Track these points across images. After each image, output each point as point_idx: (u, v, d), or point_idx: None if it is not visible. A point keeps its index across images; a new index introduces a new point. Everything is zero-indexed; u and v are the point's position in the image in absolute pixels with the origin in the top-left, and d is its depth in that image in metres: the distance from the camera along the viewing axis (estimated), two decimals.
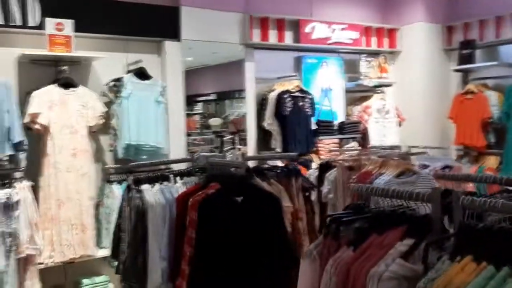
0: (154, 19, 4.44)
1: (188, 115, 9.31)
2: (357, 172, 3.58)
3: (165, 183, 2.78)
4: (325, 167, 3.89)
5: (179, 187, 2.77)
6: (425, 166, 3.75)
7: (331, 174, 3.74)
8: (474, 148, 5.41)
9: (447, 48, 5.83)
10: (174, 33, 4.50)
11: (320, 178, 3.73)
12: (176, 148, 4.41)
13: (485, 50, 5.52)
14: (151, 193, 2.68)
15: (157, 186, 2.74)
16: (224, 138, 4.90)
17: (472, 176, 2.71)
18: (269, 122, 4.85)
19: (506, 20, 5.30)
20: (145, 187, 2.71)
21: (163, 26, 4.49)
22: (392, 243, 1.49)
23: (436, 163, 3.82)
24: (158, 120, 4.15)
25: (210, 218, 2.41)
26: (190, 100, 9.62)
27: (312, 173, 4.01)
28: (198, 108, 9.30)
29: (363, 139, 5.46)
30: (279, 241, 2.53)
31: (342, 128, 5.35)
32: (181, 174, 2.92)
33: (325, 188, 3.65)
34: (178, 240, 2.48)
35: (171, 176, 2.82)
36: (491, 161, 5.29)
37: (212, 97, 7.59)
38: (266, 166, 3.19)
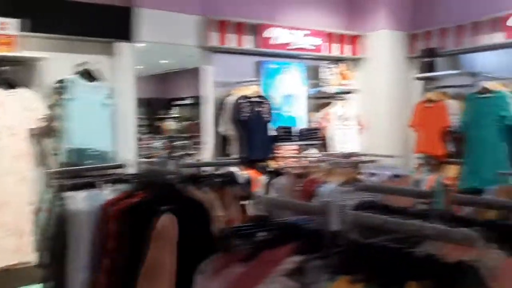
0: (106, 20, 4.33)
1: (162, 119, 9.25)
2: (305, 179, 3.54)
3: (94, 190, 2.67)
4: (274, 174, 3.83)
5: (107, 194, 2.66)
6: (373, 175, 3.70)
7: (279, 182, 3.68)
8: (434, 157, 5.38)
9: (410, 56, 5.81)
10: (126, 34, 4.39)
11: (269, 186, 3.67)
12: (126, 152, 4.28)
13: (446, 58, 5.51)
14: (76, 200, 2.56)
15: (83, 193, 2.62)
16: (175, 143, 4.79)
17: (391, 188, 2.61)
18: (226, 128, 4.76)
19: (466, 29, 5.30)
20: (70, 193, 2.60)
21: (115, 27, 4.38)
22: (282, 259, 1.41)
23: (384, 172, 3.76)
24: (105, 124, 4.04)
25: (130, 228, 2.30)
26: (168, 104, 9.57)
27: (262, 180, 3.94)
28: (175, 112, 9.21)
29: (324, 146, 5.41)
30: (206, 251, 2.43)
31: (302, 134, 5.29)
32: (114, 181, 2.81)
33: (272, 196, 3.57)
34: (98, 251, 2.37)
35: (101, 182, 2.71)
36: (451, 170, 5.27)
37: (188, 101, 7.50)
38: (204, 173, 3.10)
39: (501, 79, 4.90)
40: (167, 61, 7.71)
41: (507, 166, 4.73)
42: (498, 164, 4.76)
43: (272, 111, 4.95)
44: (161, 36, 4.57)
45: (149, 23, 4.46)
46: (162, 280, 0.94)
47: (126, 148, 4.33)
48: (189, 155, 4.70)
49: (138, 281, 0.97)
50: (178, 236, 2.34)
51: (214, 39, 4.87)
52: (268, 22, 5.21)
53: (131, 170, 2.83)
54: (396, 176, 3.77)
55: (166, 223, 1.02)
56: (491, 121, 4.81)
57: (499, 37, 5.01)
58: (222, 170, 3.83)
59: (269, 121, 4.93)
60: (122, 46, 4.39)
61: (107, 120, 4.06)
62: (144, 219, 2.30)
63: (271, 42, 5.19)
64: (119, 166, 3.28)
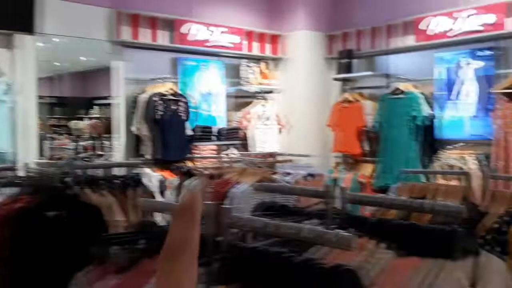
0: (5, 10, 3.95)
1: (81, 119, 8.76)
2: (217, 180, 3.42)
3: None
4: (187, 176, 3.68)
5: None
6: (288, 174, 3.65)
7: (190, 183, 3.53)
8: (351, 156, 5.48)
9: (328, 56, 5.88)
10: (27, 26, 4.04)
11: (180, 187, 3.51)
12: (27, 153, 3.94)
13: (363, 60, 5.62)
14: None
15: None
16: (81, 143, 4.49)
17: (288, 188, 2.55)
18: (138, 127, 4.53)
19: (381, 32, 5.44)
20: None
21: (15, 17, 4.01)
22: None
23: (299, 171, 3.74)
24: (2, 122, 3.68)
25: (10, 236, 2.06)
26: (89, 104, 9.07)
27: (174, 182, 3.78)
28: (95, 112, 8.75)
29: (243, 146, 5.33)
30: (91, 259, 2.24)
31: (222, 134, 5.17)
32: (3, 184, 2.53)
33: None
34: None
35: None
36: (367, 169, 5.39)
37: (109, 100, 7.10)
38: (106, 176, 2.88)
39: (413, 80, 5.08)
40: (85, 59, 7.32)
41: (418, 164, 4.91)
42: (410, 162, 4.92)
43: (189, 110, 4.78)
44: (67, 29, 4.26)
45: (53, 15, 4.13)
46: (186, 259, 0.87)
47: (27, 148, 3.98)
48: (100, 155, 4.41)
49: (160, 261, 0.88)
50: (65, 243, 2.14)
51: (125, 34, 4.63)
52: (185, 18, 5.03)
53: (23, 172, 2.56)
54: (310, 175, 3.76)
55: (189, 200, 0.93)
56: (403, 121, 4.97)
57: (411, 40, 5.18)
58: (133, 172, 3.62)
59: (185, 120, 4.75)
60: (23, 39, 4.03)
61: (4, 118, 3.71)
62: (27, 224, 2.08)
63: (189, 38, 5.03)
64: (11, 168, 2.99)
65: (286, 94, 5.76)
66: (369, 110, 5.33)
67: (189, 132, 4.82)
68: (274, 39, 5.81)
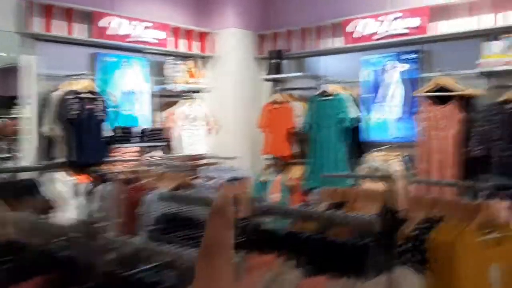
0: None
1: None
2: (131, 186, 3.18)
3: None
4: (100, 180, 3.40)
5: None
6: (211, 179, 3.46)
7: (104, 189, 3.26)
8: (281, 158, 5.38)
9: (259, 56, 5.75)
10: None
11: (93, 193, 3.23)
12: None
13: (292, 60, 5.55)
14: None
15: None
16: None
17: (186, 197, 2.37)
18: (51, 127, 4.16)
19: (311, 33, 5.39)
20: None
21: None
22: None
23: (224, 174, 3.56)
24: None
25: None
26: (10, 103, 8.35)
27: (87, 187, 3.49)
28: (16, 111, 8.06)
29: (169, 148, 5.07)
30: None
31: (145, 135, 4.89)
32: None
33: (94, 205, 3.14)
34: None
35: None
36: (297, 171, 5.31)
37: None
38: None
39: (341, 82, 5.06)
40: (4, 54, 6.74)
41: (346, 166, 4.90)
42: (338, 164, 4.90)
43: (108, 109, 4.46)
44: None
45: None
46: (221, 257, 0.90)
47: None
48: (6, 159, 4.00)
49: (198, 259, 0.91)
50: None
51: (37, 26, 4.24)
52: (105, 11, 4.70)
53: None
54: (235, 179, 3.59)
55: (222, 200, 0.96)
56: (331, 122, 4.93)
57: (339, 42, 5.16)
58: (43, 176, 3.30)
59: (103, 120, 4.42)
60: None
61: None
62: None
63: (108, 32, 4.70)
64: None
65: (215, 94, 5.57)
66: (299, 112, 5.26)
67: (108, 133, 4.50)
68: (202, 36, 5.60)
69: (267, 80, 5.58)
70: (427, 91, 4.37)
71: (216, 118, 5.43)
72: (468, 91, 4.18)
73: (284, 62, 5.46)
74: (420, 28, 4.53)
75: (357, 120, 4.88)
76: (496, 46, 4.00)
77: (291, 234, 1.35)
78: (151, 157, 4.75)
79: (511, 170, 3.80)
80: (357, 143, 4.95)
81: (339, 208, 2.04)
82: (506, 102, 3.90)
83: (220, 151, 5.20)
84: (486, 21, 4.22)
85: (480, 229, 1.91)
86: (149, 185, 3.09)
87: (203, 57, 5.61)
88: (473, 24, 4.29)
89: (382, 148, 4.68)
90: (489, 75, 4.11)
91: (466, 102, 4.21)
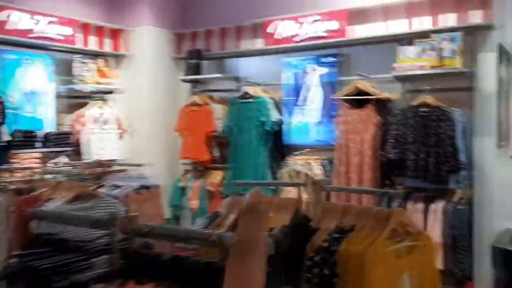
0: None
1: None
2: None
3: None
4: None
5: None
6: (117, 187, 3.18)
7: None
8: (200, 162, 5.16)
9: (176, 56, 5.49)
10: None
11: None
12: None
13: (212, 61, 5.34)
14: None
15: None
16: None
17: (67, 216, 2.14)
18: None
19: (231, 33, 5.23)
20: None
21: None
22: None
23: (131, 183, 3.28)
24: None
25: None
26: None
27: None
28: None
29: (77, 153, 4.68)
30: None
31: (49, 140, 4.46)
32: None
33: None
34: None
35: None
36: (216, 176, 5.11)
37: None
38: None
39: (262, 85, 4.94)
40: None
41: (267, 170, 4.77)
42: (259, 168, 4.76)
43: (5, 111, 4.01)
44: None
45: None
46: (254, 258, 0.83)
47: None
48: None
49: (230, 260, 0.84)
50: None
51: None
52: (3, 3, 4.23)
53: None
54: (144, 187, 3.33)
55: (253, 198, 0.87)
56: (252, 126, 4.79)
57: (260, 43, 5.04)
58: None
59: (0, 123, 3.97)
60: None
61: None
62: None
63: (8, 27, 4.24)
64: None
65: (129, 95, 5.22)
66: (219, 114, 5.07)
67: (5, 137, 4.05)
68: (115, 33, 5.24)
69: (185, 81, 5.34)
70: (345, 95, 4.36)
71: (129, 121, 5.10)
72: (384, 94, 4.20)
73: (204, 62, 5.24)
74: (339, 32, 4.51)
75: (279, 123, 4.78)
76: (410, 50, 4.05)
77: (177, 259, 1.14)
78: (55, 163, 4.35)
79: (425, 173, 3.85)
80: (278, 147, 4.85)
81: None
82: (420, 105, 3.95)
83: (134, 156, 4.89)
84: (401, 26, 4.28)
85: (392, 237, 1.83)
86: (44, 196, 2.76)
87: (115, 56, 5.26)
88: (389, 28, 4.33)
89: (303, 151, 4.61)
90: (403, 79, 4.16)
91: (382, 105, 4.24)
